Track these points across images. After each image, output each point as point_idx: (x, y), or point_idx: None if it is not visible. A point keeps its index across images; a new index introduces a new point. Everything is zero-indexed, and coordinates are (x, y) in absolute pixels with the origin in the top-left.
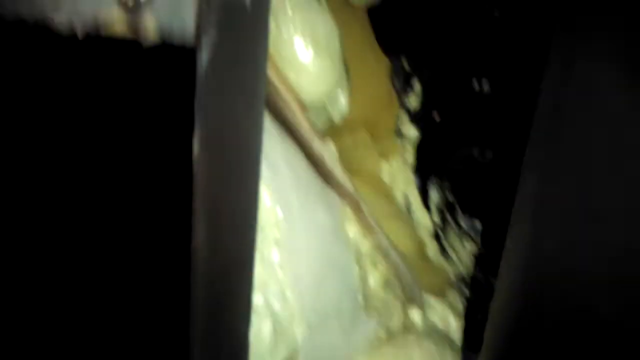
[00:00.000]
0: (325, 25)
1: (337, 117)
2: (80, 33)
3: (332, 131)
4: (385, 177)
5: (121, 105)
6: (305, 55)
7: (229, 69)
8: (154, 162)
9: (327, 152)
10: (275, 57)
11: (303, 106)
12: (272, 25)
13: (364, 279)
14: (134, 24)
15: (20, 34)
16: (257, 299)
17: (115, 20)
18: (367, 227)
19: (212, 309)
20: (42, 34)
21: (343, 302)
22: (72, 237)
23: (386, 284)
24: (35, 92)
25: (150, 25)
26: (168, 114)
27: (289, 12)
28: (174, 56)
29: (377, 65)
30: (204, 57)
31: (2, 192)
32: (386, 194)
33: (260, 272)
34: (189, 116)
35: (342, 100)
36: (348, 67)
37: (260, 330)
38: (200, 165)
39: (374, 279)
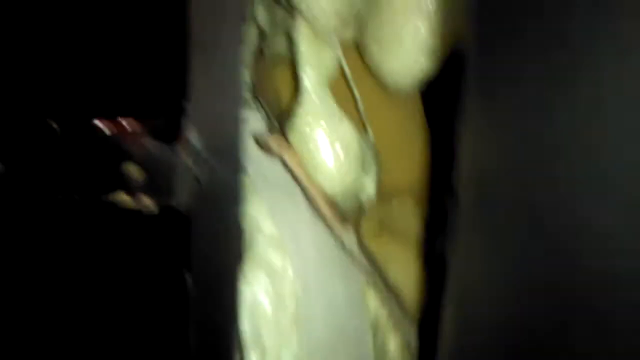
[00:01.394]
0: (345, 132)
1: (365, 201)
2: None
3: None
4: None
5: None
6: (326, 159)
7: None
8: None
9: (347, 235)
10: (306, 160)
11: (327, 198)
12: (301, 138)
13: (383, 345)
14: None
15: None
16: None
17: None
18: (383, 297)
19: None
20: None
21: None
22: None
23: (403, 349)
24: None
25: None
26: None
27: (314, 127)
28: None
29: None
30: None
31: None
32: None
33: (276, 338)
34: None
35: (369, 188)
36: (382, 153)
37: None
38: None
39: (393, 345)
